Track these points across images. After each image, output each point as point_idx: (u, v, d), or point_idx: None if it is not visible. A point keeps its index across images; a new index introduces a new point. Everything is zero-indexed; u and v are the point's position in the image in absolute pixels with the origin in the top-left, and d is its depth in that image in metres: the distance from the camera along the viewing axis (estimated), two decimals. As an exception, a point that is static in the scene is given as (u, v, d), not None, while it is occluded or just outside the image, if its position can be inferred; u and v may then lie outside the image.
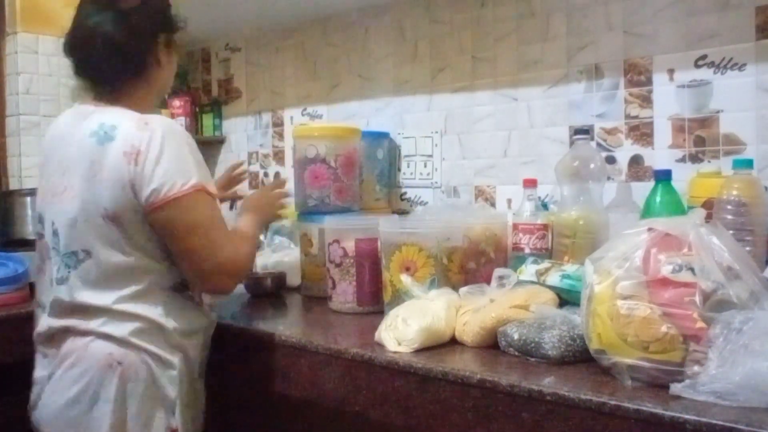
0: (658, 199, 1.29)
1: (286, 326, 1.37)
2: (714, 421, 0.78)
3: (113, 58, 1.18)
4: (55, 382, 1.17)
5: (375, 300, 1.43)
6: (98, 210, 1.13)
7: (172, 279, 1.20)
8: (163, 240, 1.16)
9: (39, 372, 1.23)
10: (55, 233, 1.18)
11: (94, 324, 1.15)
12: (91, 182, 1.13)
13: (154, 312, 1.16)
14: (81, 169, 1.14)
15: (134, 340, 1.14)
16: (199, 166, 1.16)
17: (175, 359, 1.18)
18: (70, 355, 1.15)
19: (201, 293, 1.28)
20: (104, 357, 1.13)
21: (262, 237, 2.06)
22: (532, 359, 1.06)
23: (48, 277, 1.21)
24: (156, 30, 1.23)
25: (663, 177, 1.30)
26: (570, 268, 1.25)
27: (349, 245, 1.45)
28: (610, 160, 1.50)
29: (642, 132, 1.47)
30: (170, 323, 1.17)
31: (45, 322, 1.21)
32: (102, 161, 1.12)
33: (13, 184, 2.23)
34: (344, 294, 1.46)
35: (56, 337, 1.18)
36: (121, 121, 1.14)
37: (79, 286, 1.16)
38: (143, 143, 1.11)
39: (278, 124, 2.27)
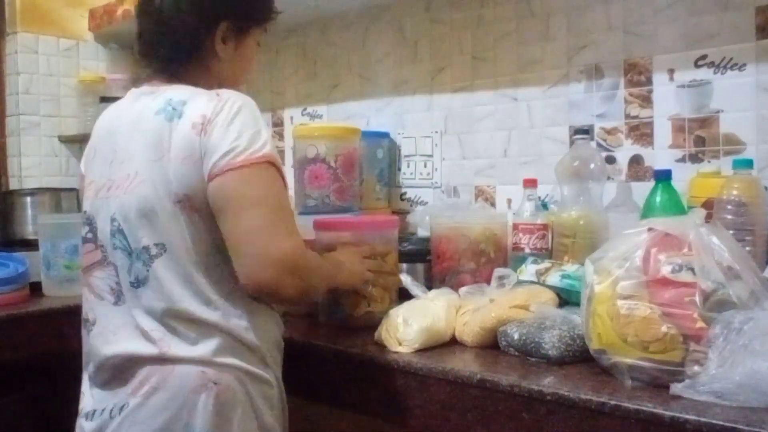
0: (658, 199, 1.29)
1: (286, 327, 1.37)
2: (714, 421, 0.78)
3: (165, 36, 1.07)
4: (132, 414, 0.97)
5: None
6: (169, 195, 0.98)
7: None
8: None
9: (94, 404, 1.03)
10: (118, 231, 1.02)
11: (179, 348, 0.98)
12: (159, 164, 0.99)
13: (238, 322, 1.00)
14: (147, 151, 1.00)
15: (221, 359, 0.98)
16: (271, 141, 1.00)
17: (269, 375, 1.03)
18: (148, 379, 0.97)
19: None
20: (196, 376, 0.96)
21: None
22: (532, 359, 1.06)
23: (107, 285, 1.04)
24: (217, 15, 1.07)
25: (663, 177, 1.30)
26: (570, 268, 1.25)
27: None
28: (610, 160, 1.50)
29: (642, 132, 1.47)
30: (253, 333, 1.01)
31: (105, 349, 1.02)
32: (170, 139, 0.98)
33: (13, 184, 2.23)
34: None
35: (125, 366, 1.00)
36: (192, 96, 1.01)
37: (160, 288, 0.99)
38: (214, 111, 0.97)
39: (278, 124, 2.27)
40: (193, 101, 1.00)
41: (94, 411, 1.02)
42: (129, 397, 0.98)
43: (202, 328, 0.99)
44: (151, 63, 1.10)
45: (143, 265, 1.00)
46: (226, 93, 1.01)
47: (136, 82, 1.12)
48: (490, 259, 1.41)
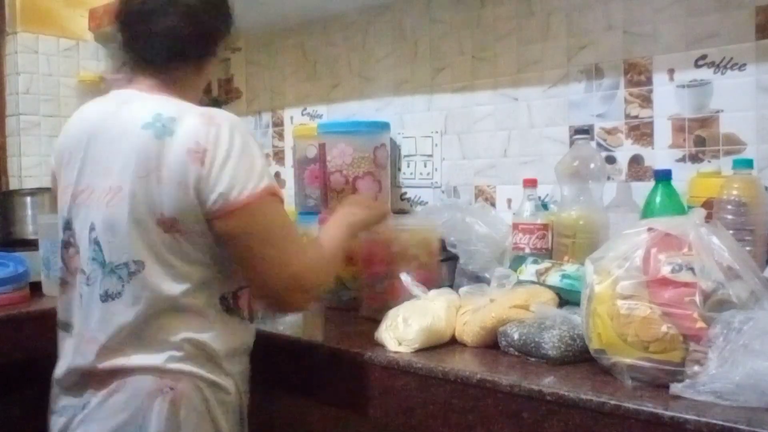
0: (658, 199, 1.29)
1: (287, 326, 1.37)
2: (714, 421, 0.78)
3: (185, 33, 1.08)
4: (93, 412, 1.01)
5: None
6: (154, 214, 0.99)
7: (220, 291, 1.07)
8: (224, 250, 1.04)
9: (62, 403, 1.07)
10: (95, 242, 1.04)
11: (139, 358, 1.01)
12: (146, 181, 0.99)
13: (201, 332, 1.03)
14: (132, 167, 1.00)
15: (177, 366, 1.01)
16: (267, 167, 1.04)
17: (227, 383, 1.06)
18: (111, 382, 1.01)
19: (255, 307, 1.15)
20: (152, 381, 1.00)
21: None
22: (532, 359, 1.06)
23: (78, 293, 1.07)
24: (223, 28, 1.15)
25: (663, 177, 1.30)
26: (570, 268, 1.25)
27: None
28: (610, 160, 1.50)
29: (642, 132, 1.47)
30: (217, 343, 1.04)
31: (76, 359, 1.05)
32: (161, 158, 0.98)
33: (13, 184, 2.23)
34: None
35: (92, 372, 1.03)
36: (182, 114, 1.01)
37: (133, 302, 1.01)
38: (210, 140, 0.98)
39: (278, 124, 2.27)
40: (184, 120, 1.00)
41: (63, 407, 1.07)
42: (91, 396, 1.02)
43: (170, 337, 1.02)
44: (150, 63, 1.10)
45: (118, 280, 1.02)
46: (218, 116, 1.02)
47: (117, 82, 1.14)
48: (421, 264, 1.38)
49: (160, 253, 1.01)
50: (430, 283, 1.34)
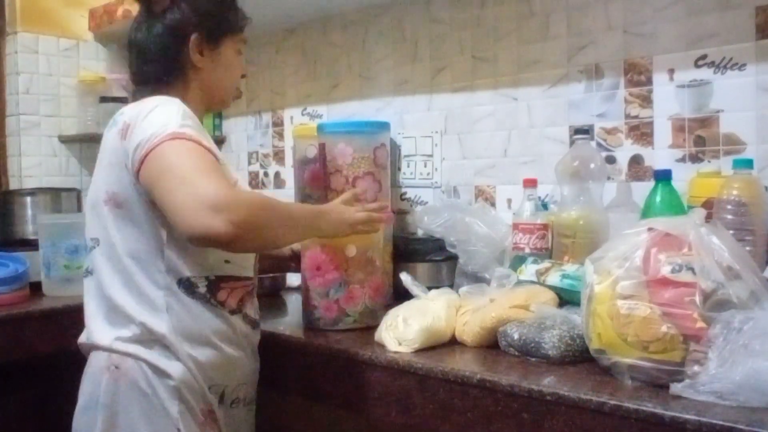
0: (658, 199, 1.29)
1: (287, 326, 1.37)
2: (714, 421, 0.78)
3: (143, 63, 1.19)
4: (81, 384, 1.15)
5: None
6: (100, 195, 1.12)
7: (179, 274, 1.09)
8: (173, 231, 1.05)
9: None
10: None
11: (99, 334, 1.11)
12: (97, 169, 1.14)
13: (149, 313, 1.08)
14: (97, 159, 1.16)
15: (123, 347, 1.08)
16: (179, 119, 1.05)
17: (174, 369, 1.07)
18: (87, 358, 1.15)
19: (236, 300, 1.15)
20: (104, 358, 1.10)
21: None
22: (532, 359, 1.06)
23: None
24: (187, 30, 1.17)
25: (663, 177, 1.30)
26: (570, 268, 1.25)
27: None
28: (610, 160, 1.50)
29: (642, 132, 1.47)
30: (165, 325, 1.07)
31: (83, 335, 1.18)
32: (105, 146, 1.13)
33: (13, 184, 2.23)
34: None
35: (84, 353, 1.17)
36: (129, 106, 1.12)
37: (98, 277, 1.13)
38: (133, 117, 1.06)
39: (278, 124, 2.27)
40: (128, 110, 1.10)
41: None
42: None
43: (121, 316, 1.10)
44: (141, 90, 1.19)
45: (90, 258, 1.16)
46: (151, 98, 1.11)
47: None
48: (375, 269, 1.32)
49: (108, 230, 1.11)
50: (380, 291, 1.30)
